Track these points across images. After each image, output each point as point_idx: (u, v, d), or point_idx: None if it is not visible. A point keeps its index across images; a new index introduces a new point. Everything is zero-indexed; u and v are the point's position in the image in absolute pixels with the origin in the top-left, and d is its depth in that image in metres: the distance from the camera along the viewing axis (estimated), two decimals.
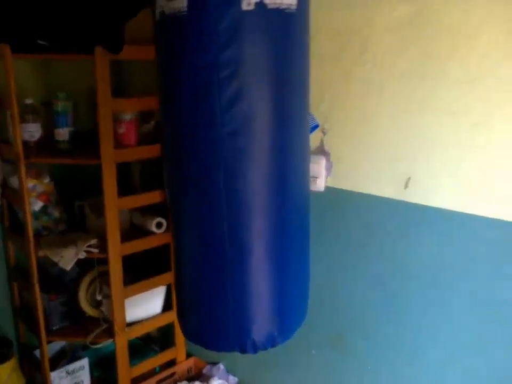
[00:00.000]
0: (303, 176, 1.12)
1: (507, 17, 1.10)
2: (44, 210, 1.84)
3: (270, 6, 0.93)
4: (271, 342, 1.07)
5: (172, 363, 2.14)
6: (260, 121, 0.98)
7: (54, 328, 1.89)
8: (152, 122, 1.88)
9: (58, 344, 2.12)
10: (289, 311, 1.13)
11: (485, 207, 1.20)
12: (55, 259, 1.71)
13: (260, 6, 0.92)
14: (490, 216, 1.20)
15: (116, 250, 1.76)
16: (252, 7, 0.91)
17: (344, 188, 1.50)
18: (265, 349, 1.07)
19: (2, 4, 1.60)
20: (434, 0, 1.21)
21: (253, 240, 1.03)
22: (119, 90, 2.11)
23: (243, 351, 1.06)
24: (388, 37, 1.31)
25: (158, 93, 1.08)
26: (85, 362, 2.04)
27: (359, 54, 1.38)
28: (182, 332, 1.17)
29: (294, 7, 0.97)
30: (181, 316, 1.18)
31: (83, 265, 1.88)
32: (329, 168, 1.52)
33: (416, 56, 1.26)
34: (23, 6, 1.61)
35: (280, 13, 0.95)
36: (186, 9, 0.91)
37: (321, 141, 1.52)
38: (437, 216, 1.29)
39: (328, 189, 1.53)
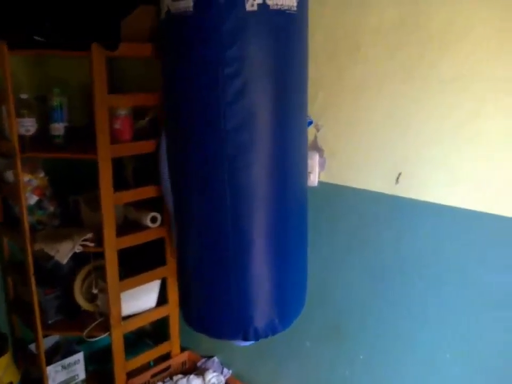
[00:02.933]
0: (302, 170, 1.17)
1: (493, 18, 1.15)
2: (38, 204, 1.85)
3: (272, 7, 0.97)
4: (272, 330, 1.11)
5: (166, 357, 2.16)
6: (262, 117, 1.02)
7: (50, 322, 1.90)
8: (147, 119, 1.89)
9: (53, 339, 2.13)
10: (289, 300, 1.17)
11: (474, 202, 1.25)
12: (51, 253, 1.72)
13: (263, 7, 0.96)
14: (480, 210, 1.24)
15: (112, 244, 1.77)
16: (255, 8, 0.95)
17: (337, 182, 1.54)
18: (267, 336, 1.10)
19: None
20: (422, 3, 1.26)
21: (255, 230, 1.07)
22: (112, 86, 2.12)
23: (246, 338, 1.10)
24: (379, 37, 1.36)
25: (162, 89, 1.11)
26: (80, 356, 2.06)
27: (352, 53, 1.42)
28: (185, 321, 1.21)
29: (294, 8, 1.01)
30: (184, 305, 1.21)
31: (77, 260, 1.89)
32: (322, 164, 1.56)
33: (407, 56, 1.31)
34: (20, 2, 1.61)
35: (281, 13, 0.99)
36: (192, 9, 0.95)
37: (315, 137, 1.56)
38: (428, 210, 1.34)
39: (321, 183, 1.58)
